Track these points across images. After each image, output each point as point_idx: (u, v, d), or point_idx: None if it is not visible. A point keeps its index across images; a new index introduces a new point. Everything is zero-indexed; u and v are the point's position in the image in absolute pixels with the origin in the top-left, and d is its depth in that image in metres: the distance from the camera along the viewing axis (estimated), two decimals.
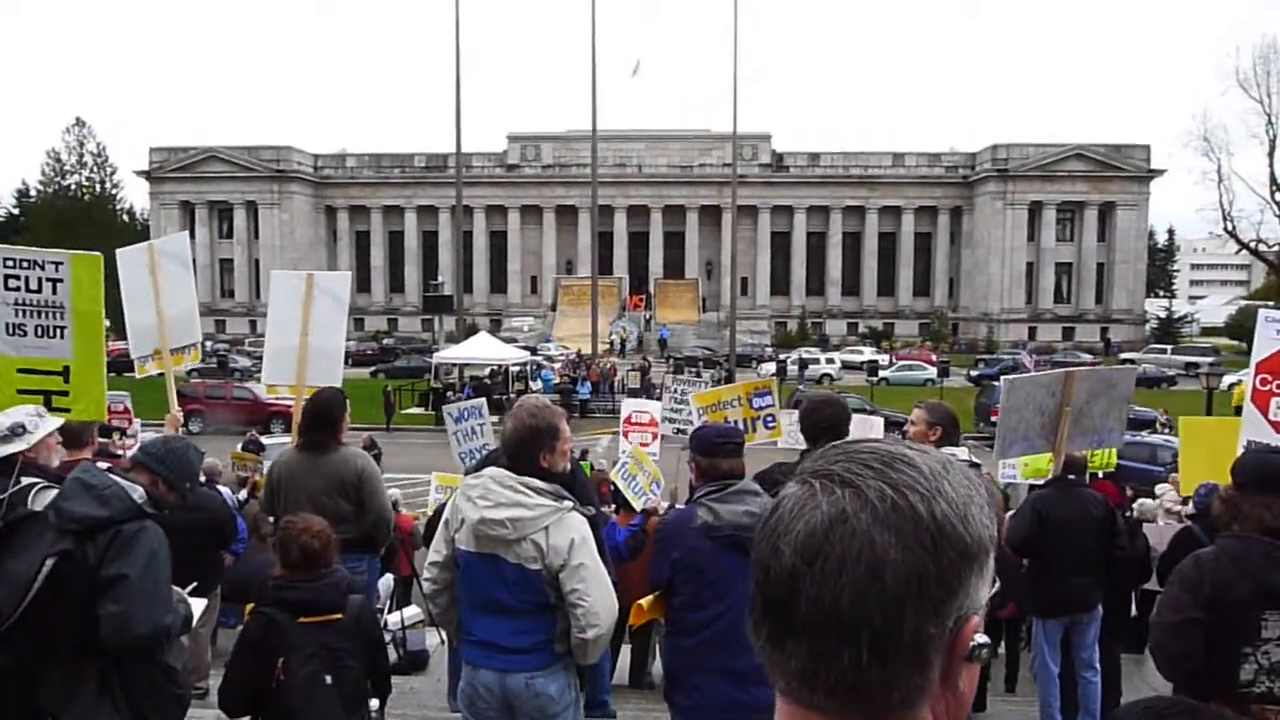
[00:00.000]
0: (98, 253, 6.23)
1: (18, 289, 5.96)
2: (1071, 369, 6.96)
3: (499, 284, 78.42)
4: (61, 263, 6.03)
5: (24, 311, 5.99)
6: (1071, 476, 6.92)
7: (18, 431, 4.73)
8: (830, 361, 52.80)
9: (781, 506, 0.92)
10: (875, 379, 41.99)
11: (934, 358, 54.46)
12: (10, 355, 5.99)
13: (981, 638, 0.89)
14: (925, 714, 0.88)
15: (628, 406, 11.96)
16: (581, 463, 10.47)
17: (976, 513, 0.90)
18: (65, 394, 6.03)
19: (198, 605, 4.10)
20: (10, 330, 5.98)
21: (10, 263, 5.97)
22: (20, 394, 5.94)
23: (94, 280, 6.10)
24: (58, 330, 6.04)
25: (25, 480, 4.47)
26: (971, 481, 0.93)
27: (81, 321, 6.07)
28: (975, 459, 5.85)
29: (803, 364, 49.30)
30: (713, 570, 3.86)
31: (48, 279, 5.99)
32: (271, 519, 5.84)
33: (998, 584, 0.95)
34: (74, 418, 5.98)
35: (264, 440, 18.63)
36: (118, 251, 7.93)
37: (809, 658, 0.87)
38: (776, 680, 0.91)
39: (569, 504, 3.71)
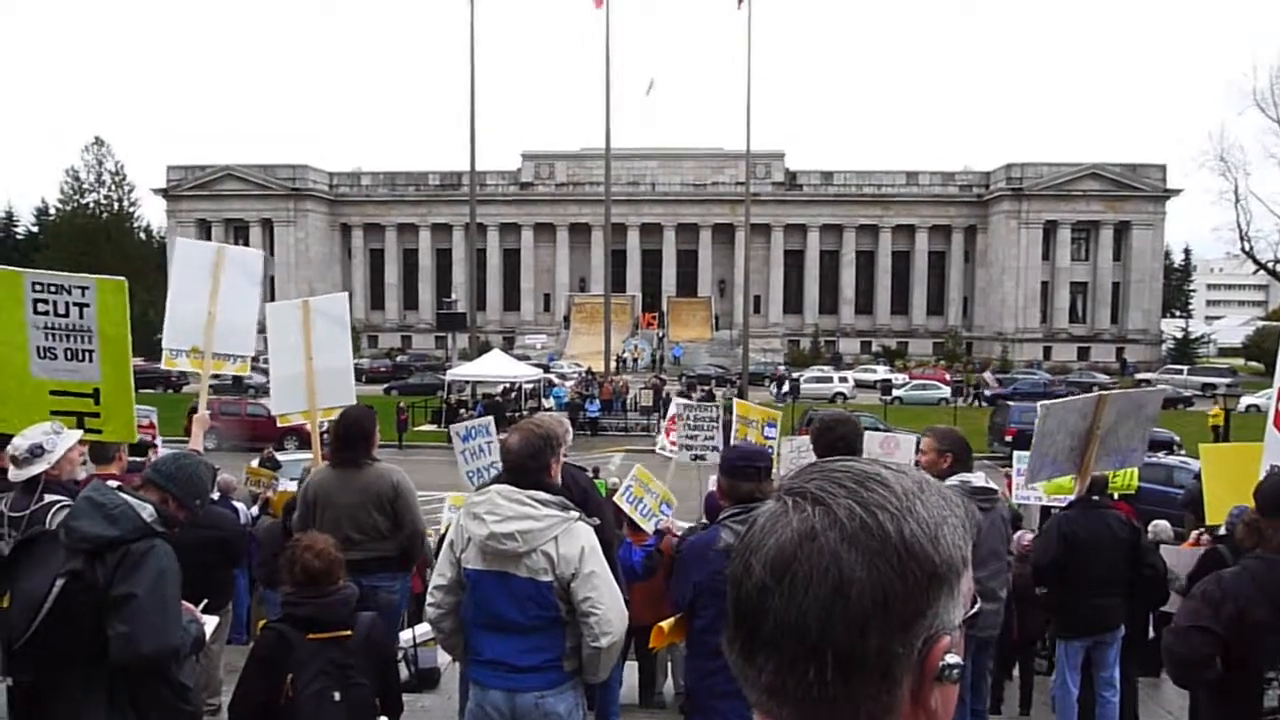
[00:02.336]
0: (122, 277, 6.27)
1: (46, 313, 6.00)
2: (1105, 392, 6.89)
3: (512, 301, 78.63)
4: (88, 287, 6.07)
5: (54, 335, 6.03)
6: (1095, 497, 6.85)
7: (37, 453, 4.76)
8: (843, 380, 52.61)
9: (755, 523, 0.92)
10: (889, 398, 41.84)
11: (948, 377, 54.28)
12: (43, 378, 6.03)
13: (953, 658, 0.88)
14: None
15: (675, 406, 12.13)
16: (596, 481, 10.44)
17: (949, 534, 0.89)
18: (96, 415, 6.06)
19: (210, 623, 4.09)
20: (41, 353, 6.02)
21: (39, 287, 6.01)
22: (54, 415, 5.96)
23: (120, 305, 6.14)
24: (86, 354, 6.07)
25: (48, 498, 4.50)
26: (948, 502, 0.92)
27: (109, 345, 6.09)
28: (992, 484, 5.73)
29: (791, 386, 45.95)
30: None
31: (74, 303, 6.03)
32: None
33: (978, 604, 0.95)
34: (105, 439, 6.01)
35: (280, 457, 18.66)
36: (178, 240, 7.96)
37: (776, 673, 0.87)
38: (749, 695, 0.91)
39: (575, 514, 3.74)
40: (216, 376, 7.85)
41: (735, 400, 12.47)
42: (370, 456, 5.77)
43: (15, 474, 4.73)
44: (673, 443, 11.26)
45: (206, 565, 6.20)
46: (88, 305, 6.02)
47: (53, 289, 6.00)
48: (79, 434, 5.36)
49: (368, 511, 5.51)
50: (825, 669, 0.85)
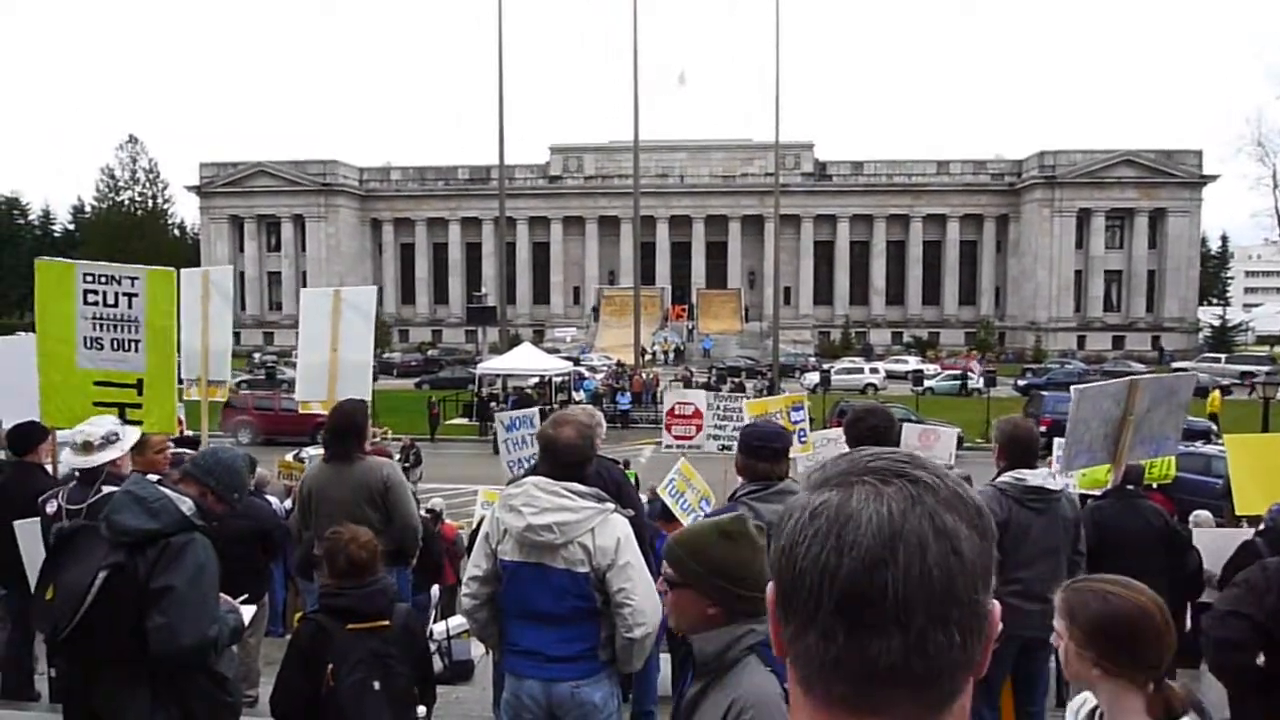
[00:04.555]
0: (172, 269, 6.39)
1: (96, 303, 6.13)
2: (1136, 377, 6.78)
3: (542, 295, 78.87)
4: (138, 278, 6.19)
5: (101, 325, 6.15)
6: (1131, 487, 6.69)
7: (112, 439, 4.90)
8: (874, 371, 52.27)
9: (825, 509, 0.89)
10: (920, 388, 41.47)
11: (978, 366, 53.75)
12: (88, 368, 6.15)
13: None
14: (966, 697, 0.90)
15: (670, 398, 11.83)
16: (627, 471, 10.50)
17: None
18: (138, 406, 6.18)
19: (247, 613, 4.14)
20: (88, 344, 6.14)
21: (90, 277, 6.14)
22: (96, 406, 6.09)
23: (168, 296, 6.26)
24: (132, 344, 6.18)
25: (106, 489, 4.59)
26: None
27: (155, 335, 6.20)
28: (1051, 483, 5.25)
29: (823, 378, 45.94)
30: None
31: (124, 293, 6.15)
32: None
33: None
34: (146, 430, 6.11)
35: (312, 451, 18.74)
36: (181, 273, 8.15)
37: (901, 650, 0.85)
38: (842, 688, 0.88)
39: (611, 505, 3.77)
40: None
41: (746, 400, 12.05)
42: (362, 450, 5.74)
43: (87, 459, 4.84)
44: (679, 437, 11.09)
45: (243, 557, 6.27)
46: (136, 295, 6.14)
47: (103, 279, 6.14)
48: (139, 431, 5.47)
49: (359, 506, 5.47)
50: (953, 631, 0.85)
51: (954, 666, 0.86)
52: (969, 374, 49.69)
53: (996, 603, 0.91)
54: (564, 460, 3.85)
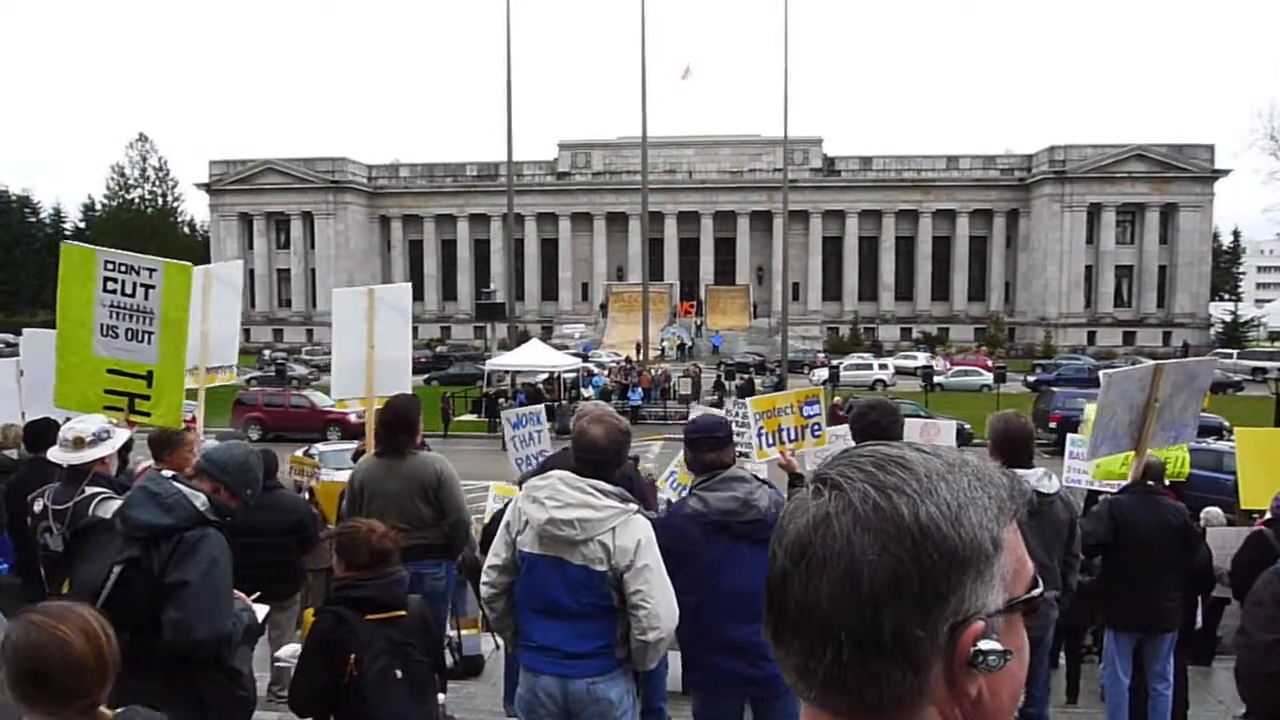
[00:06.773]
0: (188, 262, 6.42)
1: (114, 291, 6.16)
2: (1160, 362, 6.74)
3: (550, 291, 78.88)
4: (155, 269, 6.22)
5: (118, 314, 6.19)
6: (1151, 483, 6.60)
7: (104, 436, 4.91)
8: (883, 367, 52.16)
9: (784, 510, 0.94)
10: (930, 385, 41.34)
11: (990, 363, 53.55)
12: (103, 355, 6.18)
13: (988, 644, 0.86)
14: (931, 718, 0.87)
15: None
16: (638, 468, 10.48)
17: (976, 515, 0.87)
18: (147, 398, 6.21)
19: (261, 612, 4.16)
20: (104, 331, 6.18)
21: (110, 265, 6.18)
22: (108, 393, 6.13)
23: (184, 289, 6.28)
24: (146, 335, 6.21)
25: (89, 490, 4.61)
26: (983, 482, 0.90)
27: (169, 328, 6.23)
28: (1045, 486, 5.20)
29: (832, 374, 46.21)
30: (702, 554, 4.11)
31: (141, 284, 6.19)
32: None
33: (1040, 587, 0.92)
34: (153, 422, 6.14)
35: (322, 448, 18.81)
36: None
37: (800, 655, 0.89)
38: (785, 677, 0.94)
39: (634, 507, 3.77)
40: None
41: (750, 399, 11.24)
42: (414, 445, 5.81)
43: (78, 455, 4.84)
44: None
45: (275, 549, 6.30)
46: (153, 287, 6.17)
47: (123, 268, 6.17)
48: (128, 433, 5.50)
49: (412, 500, 5.57)
50: (841, 650, 0.85)
51: (859, 682, 0.86)
52: (932, 369, 49.91)
53: (980, 625, 0.86)
54: (588, 458, 3.89)
